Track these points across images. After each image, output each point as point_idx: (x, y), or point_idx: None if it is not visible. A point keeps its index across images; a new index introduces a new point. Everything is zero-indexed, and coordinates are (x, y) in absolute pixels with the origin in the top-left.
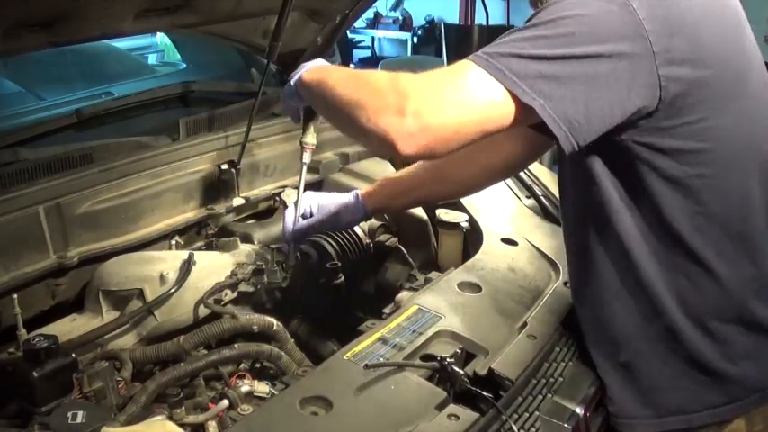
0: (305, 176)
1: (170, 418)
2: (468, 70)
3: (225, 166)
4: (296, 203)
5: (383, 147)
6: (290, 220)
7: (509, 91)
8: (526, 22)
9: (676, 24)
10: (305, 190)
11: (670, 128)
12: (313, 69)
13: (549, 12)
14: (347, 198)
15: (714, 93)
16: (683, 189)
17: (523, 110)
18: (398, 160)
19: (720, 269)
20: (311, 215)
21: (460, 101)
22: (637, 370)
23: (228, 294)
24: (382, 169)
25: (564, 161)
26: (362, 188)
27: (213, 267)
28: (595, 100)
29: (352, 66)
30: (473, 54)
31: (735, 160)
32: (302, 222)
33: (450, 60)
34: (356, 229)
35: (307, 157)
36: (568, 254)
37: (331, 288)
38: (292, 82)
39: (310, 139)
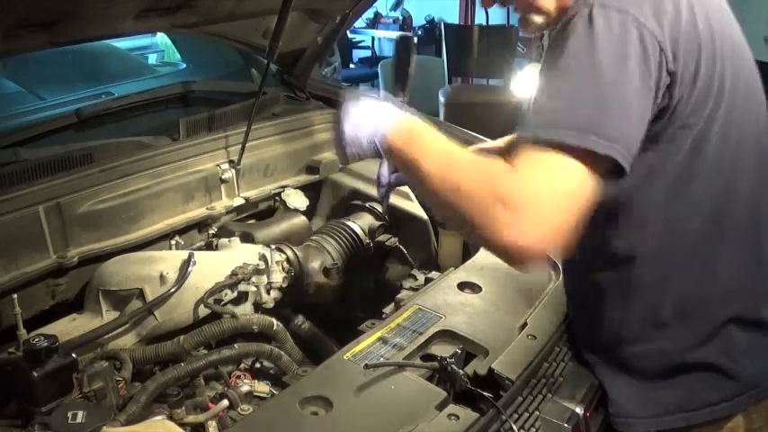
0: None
1: (170, 418)
2: (551, 157)
3: (225, 166)
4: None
5: (505, 260)
6: (386, 168)
7: (588, 155)
8: (548, 52)
9: (687, 43)
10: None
11: (661, 132)
12: (400, 133)
13: (569, 50)
14: None
15: (709, 103)
16: (676, 186)
17: (604, 161)
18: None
19: (717, 267)
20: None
21: (562, 191)
22: (634, 369)
23: (228, 294)
24: None
25: None
26: None
27: (213, 267)
28: (637, 118)
29: (352, 66)
30: (532, 133)
31: (724, 162)
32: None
33: (450, 60)
34: (356, 228)
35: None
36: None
37: (331, 288)
38: (377, 139)
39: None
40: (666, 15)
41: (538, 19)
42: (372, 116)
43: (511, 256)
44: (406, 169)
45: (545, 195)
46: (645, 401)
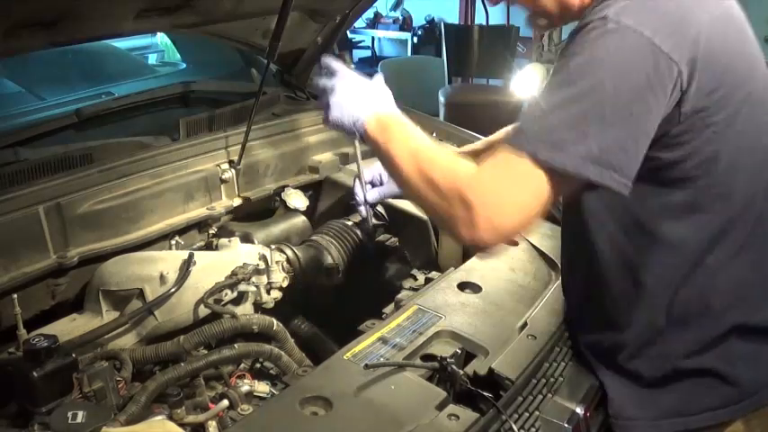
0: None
1: (170, 418)
2: (521, 165)
3: (225, 166)
4: (359, 175)
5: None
6: (360, 188)
7: (560, 170)
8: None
9: (700, 57)
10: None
11: (678, 143)
12: (380, 124)
13: (577, 65)
14: None
15: (726, 113)
16: (687, 195)
17: (577, 178)
18: None
19: (719, 274)
20: (380, 183)
21: (523, 200)
22: (633, 372)
23: (228, 294)
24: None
25: None
26: None
27: (213, 267)
28: (634, 139)
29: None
30: (516, 136)
31: (740, 167)
32: (372, 190)
33: (450, 60)
34: (356, 228)
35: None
36: (563, 258)
37: (331, 288)
38: (358, 125)
39: None
40: (685, 32)
41: (541, 21)
42: (358, 99)
43: (471, 245)
44: (380, 157)
45: (507, 203)
46: (644, 404)
